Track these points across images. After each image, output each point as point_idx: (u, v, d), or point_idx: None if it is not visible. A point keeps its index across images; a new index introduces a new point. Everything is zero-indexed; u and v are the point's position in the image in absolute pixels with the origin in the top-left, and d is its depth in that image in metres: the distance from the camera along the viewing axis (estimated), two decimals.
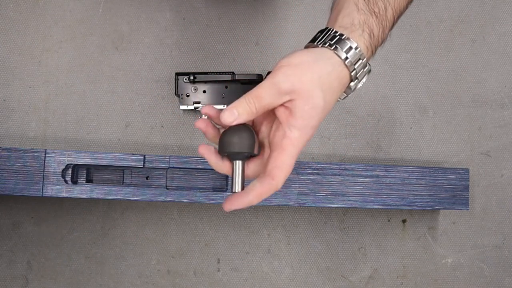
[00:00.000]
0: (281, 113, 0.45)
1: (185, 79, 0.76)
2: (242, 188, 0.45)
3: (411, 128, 0.80)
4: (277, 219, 0.79)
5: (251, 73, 0.77)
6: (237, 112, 0.44)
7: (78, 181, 0.69)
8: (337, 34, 0.45)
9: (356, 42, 0.45)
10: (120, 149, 0.78)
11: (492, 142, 0.80)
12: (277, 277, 0.79)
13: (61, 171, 0.67)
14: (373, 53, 0.47)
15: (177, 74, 0.76)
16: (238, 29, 0.80)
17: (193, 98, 0.76)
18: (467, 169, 0.73)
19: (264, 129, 0.48)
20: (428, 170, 0.72)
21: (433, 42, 0.81)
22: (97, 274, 0.78)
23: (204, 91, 0.76)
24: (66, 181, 0.67)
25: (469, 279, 0.79)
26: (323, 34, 0.46)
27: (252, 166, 0.47)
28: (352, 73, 0.45)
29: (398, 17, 0.50)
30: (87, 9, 0.80)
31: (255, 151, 0.46)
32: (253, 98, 0.44)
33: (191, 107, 0.76)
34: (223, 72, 0.76)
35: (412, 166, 0.72)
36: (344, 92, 0.47)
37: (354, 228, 0.79)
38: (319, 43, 0.45)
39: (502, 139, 0.80)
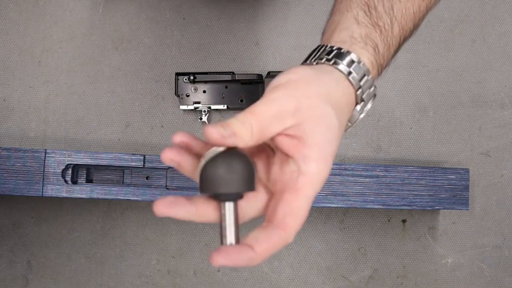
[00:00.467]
0: (285, 144, 0.34)
1: (185, 79, 0.76)
2: (237, 240, 0.34)
3: (411, 128, 0.80)
4: None
5: (251, 73, 0.77)
6: (230, 130, 0.32)
7: (78, 181, 0.69)
8: (334, 49, 0.38)
9: (358, 56, 0.37)
10: (120, 149, 0.78)
11: (492, 142, 0.80)
12: (277, 277, 0.79)
13: (61, 171, 0.67)
14: (378, 72, 0.40)
15: (177, 74, 0.76)
16: (238, 29, 0.80)
17: (193, 98, 0.76)
18: (467, 169, 0.73)
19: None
20: (428, 170, 0.72)
21: (433, 42, 0.81)
22: (97, 274, 0.78)
23: (204, 91, 0.76)
24: (66, 181, 0.67)
25: (469, 279, 0.79)
26: (316, 51, 0.39)
27: (244, 204, 0.36)
28: (358, 92, 0.37)
29: (404, 40, 0.43)
30: (87, 9, 0.80)
31: (254, 187, 0.33)
32: (248, 116, 0.32)
33: (191, 107, 0.76)
34: (223, 72, 0.76)
35: (412, 166, 0.71)
36: (349, 120, 0.39)
37: (354, 228, 0.79)
38: (313, 60, 0.38)
39: (502, 139, 0.80)
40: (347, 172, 0.70)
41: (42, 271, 0.78)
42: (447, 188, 0.72)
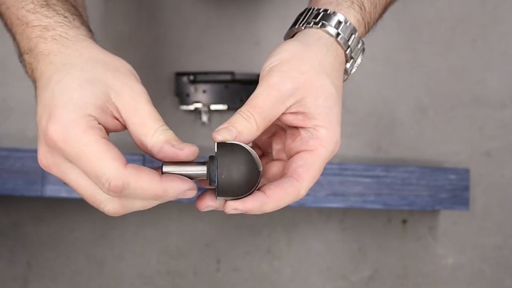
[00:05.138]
0: (293, 121, 0.36)
1: (185, 79, 0.75)
2: None
3: (411, 128, 0.80)
4: (277, 219, 0.79)
5: (251, 73, 0.77)
6: (235, 130, 0.34)
7: None
8: (321, 11, 0.39)
9: (345, 15, 0.38)
10: (120, 149, 0.78)
11: (493, 142, 0.80)
12: (277, 277, 0.79)
13: None
14: (365, 29, 0.41)
15: (177, 74, 0.76)
16: (238, 29, 0.80)
17: (193, 98, 0.76)
18: (467, 169, 0.73)
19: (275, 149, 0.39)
20: (428, 170, 0.71)
21: (434, 41, 0.80)
22: (97, 275, 0.78)
23: (204, 91, 0.76)
24: None
25: (470, 280, 0.79)
26: (304, 15, 0.40)
27: None
28: (347, 51, 0.39)
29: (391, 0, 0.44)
30: (87, 9, 0.80)
31: (258, 183, 0.35)
32: (250, 110, 0.35)
33: (191, 107, 0.76)
34: (223, 72, 0.76)
35: (412, 166, 0.71)
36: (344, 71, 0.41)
37: (354, 228, 0.79)
38: (301, 25, 0.40)
39: (503, 139, 0.80)
40: (347, 172, 0.70)
41: (42, 271, 0.78)
42: (448, 188, 0.72)
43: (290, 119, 0.37)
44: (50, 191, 0.66)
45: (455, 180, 0.72)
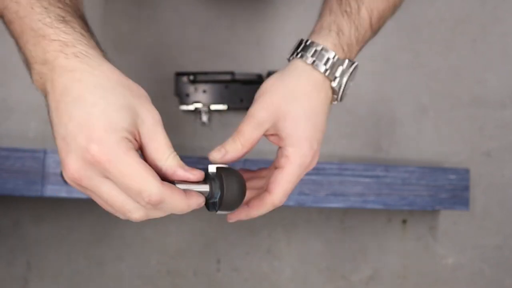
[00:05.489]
0: (273, 140, 0.46)
1: (185, 79, 0.76)
2: None
3: (411, 128, 0.80)
4: (277, 219, 0.79)
5: (251, 73, 0.77)
6: (224, 150, 0.44)
7: None
8: (302, 42, 0.46)
9: (322, 44, 0.45)
10: None
11: (493, 142, 0.80)
12: (277, 277, 0.79)
13: (60, 171, 0.67)
14: (346, 51, 0.46)
15: (177, 74, 0.76)
16: (238, 29, 0.80)
17: (193, 98, 0.76)
18: (467, 169, 0.73)
19: None
20: (428, 170, 0.71)
21: (434, 41, 0.80)
22: (97, 275, 0.78)
23: (204, 91, 0.76)
24: (66, 181, 0.67)
25: (470, 280, 0.79)
26: (295, 46, 0.47)
27: None
28: (327, 74, 0.45)
29: (380, 19, 0.50)
30: (87, 9, 0.80)
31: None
32: (237, 135, 0.44)
33: (191, 107, 0.76)
34: (223, 72, 0.76)
35: (412, 166, 0.71)
36: (334, 98, 0.47)
37: (354, 228, 0.79)
38: (290, 57, 0.47)
39: (503, 139, 0.80)
40: (347, 172, 0.70)
41: (42, 271, 0.78)
42: (448, 188, 0.72)
43: (272, 139, 0.46)
44: (50, 191, 0.67)
45: (455, 180, 0.72)
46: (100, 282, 0.78)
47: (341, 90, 0.46)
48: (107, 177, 0.37)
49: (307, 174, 0.68)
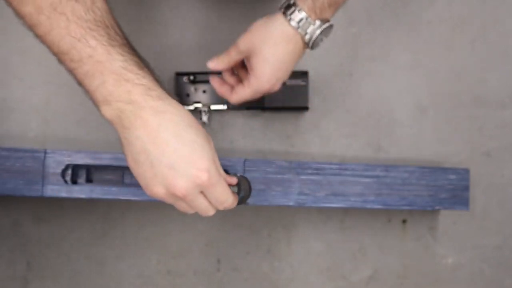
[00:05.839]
0: (247, 65, 0.61)
1: (185, 79, 0.76)
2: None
3: (411, 128, 0.80)
4: (277, 219, 0.79)
5: None
6: (216, 62, 0.62)
7: (78, 181, 0.69)
8: (290, 1, 0.57)
9: (300, 6, 0.56)
10: (120, 149, 0.78)
11: (493, 142, 0.80)
12: (277, 277, 0.79)
13: (61, 171, 0.67)
14: (317, 13, 0.56)
15: (177, 74, 0.76)
16: (238, 29, 0.80)
17: (193, 98, 0.76)
18: (467, 169, 0.73)
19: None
20: (428, 170, 0.71)
21: (434, 42, 0.80)
22: (97, 275, 0.78)
23: (204, 91, 0.76)
24: (66, 181, 0.67)
25: (470, 280, 0.79)
26: (285, 2, 0.57)
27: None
28: (298, 30, 0.57)
29: None
30: None
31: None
32: (226, 53, 0.61)
33: (191, 107, 0.76)
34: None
35: (412, 166, 0.71)
36: (306, 47, 0.59)
37: (354, 228, 0.79)
38: (279, 8, 0.58)
39: (503, 139, 0.80)
40: (347, 172, 0.70)
41: (42, 271, 0.78)
42: (448, 188, 0.72)
43: (247, 63, 0.61)
44: (50, 191, 0.67)
45: (455, 180, 0.72)
46: (100, 282, 0.78)
47: (311, 42, 0.58)
48: (202, 193, 0.50)
49: (307, 174, 0.69)
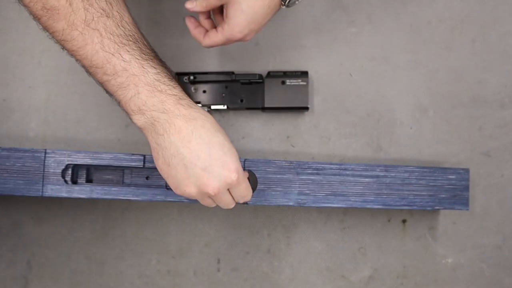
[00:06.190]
0: (224, 12, 0.61)
1: (185, 79, 0.76)
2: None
3: (411, 128, 0.80)
4: (277, 219, 0.79)
5: (251, 73, 0.77)
6: (195, 3, 0.62)
7: (78, 181, 0.69)
8: None
9: None
10: (120, 149, 0.78)
11: (493, 142, 0.80)
12: (277, 277, 0.79)
13: (61, 171, 0.67)
14: None
15: (177, 74, 0.76)
16: None
17: (193, 98, 0.76)
18: (467, 169, 0.73)
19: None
20: (428, 170, 0.72)
21: (433, 42, 0.80)
22: (97, 274, 0.78)
23: (204, 91, 0.76)
24: (66, 181, 0.67)
25: (469, 279, 0.79)
26: None
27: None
28: None
29: None
30: None
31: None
32: None
33: None
34: (223, 72, 0.76)
35: (412, 166, 0.71)
36: (281, 4, 0.60)
37: (354, 228, 0.79)
38: None
39: (503, 139, 0.80)
40: (347, 172, 0.70)
41: (42, 271, 0.78)
42: (447, 188, 0.72)
43: (224, 10, 0.61)
44: (50, 191, 0.67)
45: (454, 180, 0.72)
46: (100, 281, 0.78)
47: (291, 2, 0.60)
48: (228, 190, 0.56)
49: (307, 174, 0.69)
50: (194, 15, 0.65)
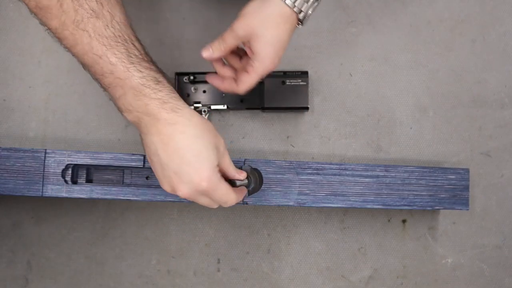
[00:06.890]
0: (247, 50, 0.61)
1: (185, 79, 0.76)
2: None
3: (411, 128, 0.80)
4: (277, 219, 0.79)
5: None
6: (211, 50, 0.62)
7: (78, 181, 0.69)
8: None
9: None
10: (120, 149, 0.78)
11: (492, 142, 0.80)
12: (277, 277, 0.79)
13: (61, 171, 0.67)
14: None
15: (177, 74, 0.76)
16: None
17: (193, 98, 0.76)
18: (467, 169, 0.73)
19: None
20: (428, 170, 0.72)
21: (433, 42, 0.80)
22: (97, 274, 0.78)
23: (204, 91, 0.76)
24: (66, 181, 0.67)
25: (469, 279, 0.79)
26: None
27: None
28: (295, 10, 0.58)
29: None
30: None
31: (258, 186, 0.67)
32: (221, 40, 0.61)
33: (191, 107, 0.76)
34: None
35: (412, 166, 0.71)
36: (298, 24, 0.61)
37: (354, 228, 0.79)
38: None
39: (502, 139, 0.80)
40: (347, 172, 0.70)
41: (42, 271, 0.78)
42: (447, 188, 0.72)
43: (247, 49, 0.61)
44: (50, 191, 0.67)
45: (454, 180, 0.72)
46: (100, 281, 0.78)
47: (305, 20, 0.60)
48: (205, 195, 0.55)
49: (307, 174, 0.69)
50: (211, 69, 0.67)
